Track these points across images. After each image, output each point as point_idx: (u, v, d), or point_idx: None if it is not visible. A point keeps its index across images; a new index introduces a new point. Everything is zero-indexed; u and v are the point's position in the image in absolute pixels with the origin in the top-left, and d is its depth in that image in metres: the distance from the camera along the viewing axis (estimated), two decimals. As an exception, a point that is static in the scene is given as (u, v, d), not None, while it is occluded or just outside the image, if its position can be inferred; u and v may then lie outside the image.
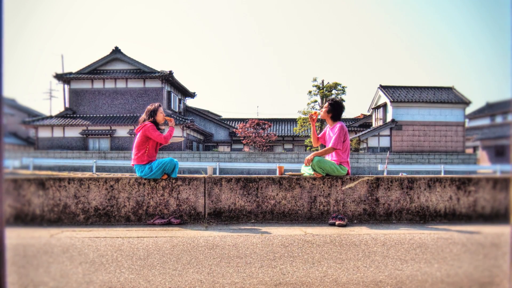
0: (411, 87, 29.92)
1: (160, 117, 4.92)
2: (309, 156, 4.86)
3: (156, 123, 4.89)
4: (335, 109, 5.04)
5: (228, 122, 38.00)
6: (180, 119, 28.48)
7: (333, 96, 29.04)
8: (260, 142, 28.84)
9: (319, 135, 5.25)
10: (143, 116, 4.95)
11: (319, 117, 5.21)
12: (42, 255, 3.11)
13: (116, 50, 29.70)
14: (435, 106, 27.93)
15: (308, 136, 31.99)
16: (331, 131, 4.99)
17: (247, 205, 4.75)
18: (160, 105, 5.02)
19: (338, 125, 4.93)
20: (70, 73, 29.52)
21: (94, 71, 29.78)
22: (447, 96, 28.49)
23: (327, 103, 5.13)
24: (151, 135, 4.74)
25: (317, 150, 23.76)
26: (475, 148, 38.65)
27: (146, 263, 2.84)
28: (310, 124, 28.92)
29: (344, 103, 31.04)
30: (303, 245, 3.46)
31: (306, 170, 5.06)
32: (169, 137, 4.89)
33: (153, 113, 4.91)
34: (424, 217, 4.81)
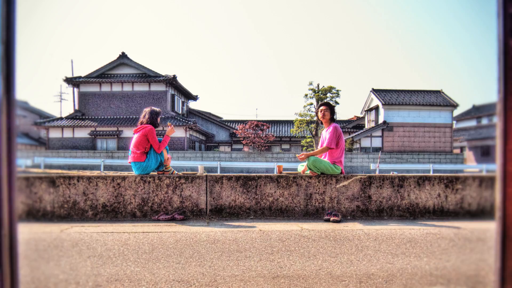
0: (401, 91, 29.94)
1: (158, 121, 5.01)
2: (303, 153, 4.90)
3: (154, 125, 4.96)
4: (332, 111, 5.05)
5: (229, 124, 37.97)
6: (183, 120, 28.45)
7: (328, 99, 29.08)
8: (259, 142, 28.84)
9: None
10: (142, 116, 5.00)
11: (314, 118, 5.25)
12: (52, 249, 3.11)
13: (123, 55, 29.67)
14: (425, 109, 27.96)
15: (304, 137, 31.98)
16: (326, 132, 5.01)
17: (246, 202, 4.75)
18: (160, 111, 5.11)
19: (332, 126, 4.94)
20: (79, 77, 29.49)
21: (102, 75, 29.75)
22: (435, 99, 28.52)
23: (323, 106, 5.09)
24: (151, 138, 4.80)
25: (312, 151, 23.74)
26: (462, 148, 38.68)
27: (151, 256, 2.84)
28: (306, 125, 29.01)
29: (338, 105, 31.17)
30: (299, 240, 3.46)
31: (300, 165, 5.13)
32: (163, 147, 4.93)
33: (152, 115, 4.96)
34: (414, 213, 4.81)
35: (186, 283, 2.26)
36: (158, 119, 5.03)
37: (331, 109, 5.05)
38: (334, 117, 5.10)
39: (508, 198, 0.99)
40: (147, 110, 5.05)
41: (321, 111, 5.07)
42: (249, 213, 4.74)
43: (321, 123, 5.29)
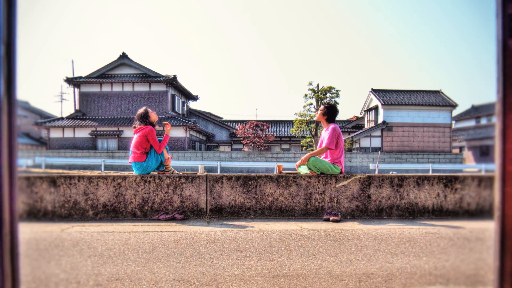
0: (401, 91, 29.94)
1: (153, 119, 5.00)
2: (303, 157, 4.90)
3: (152, 124, 4.97)
4: (330, 112, 5.05)
5: (229, 124, 37.97)
6: (184, 120, 28.45)
7: (327, 99, 29.11)
8: (259, 142, 28.86)
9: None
10: (137, 119, 4.98)
11: (314, 118, 5.25)
12: (53, 249, 3.11)
13: (123, 56, 29.67)
14: (424, 109, 27.95)
15: (304, 137, 31.97)
16: (325, 132, 5.02)
17: (246, 201, 4.75)
18: (147, 108, 5.08)
19: (331, 126, 4.94)
20: (80, 77, 29.49)
21: (102, 75, 29.74)
22: (435, 99, 28.52)
23: (322, 106, 5.15)
24: (151, 139, 4.82)
25: (312, 151, 23.73)
26: (461, 148, 38.68)
27: (151, 256, 2.84)
28: (306, 125, 28.99)
29: (338, 105, 31.15)
30: (299, 239, 3.46)
31: (302, 169, 5.08)
32: (163, 147, 4.93)
33: (145, 116, 4.96)
34: (413, 213, 4.81)
35: (187, 282, 2.26)
36: (151, 118, 5.00)
37: (329, 110, 5.06)
38: (334, 117, 5.10)
39: (507, 197, 0.99)
40: (138, 112, 5.06)
41: (321, 110, 5.11)
42: (249, 213, 4.74)
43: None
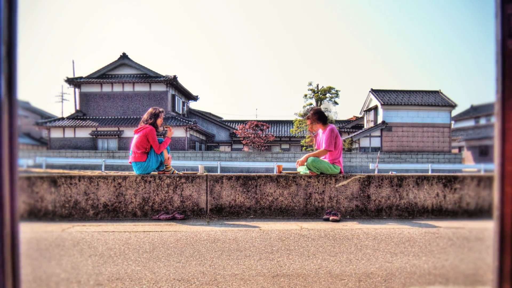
0: (400, 91, 29.94)
1: (159, 122, 5.02)
2: (302, 158, 4.88)
3: (155, 126, 4.97)
4: (319, 117, 5.03)
5: (229, 124, 37.96)
6: (184, 120, 28.45)
7: (327, 100, 29.13)
8: (258, 142, 28.85)
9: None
10: (145, 116, 5.03)
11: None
12: (54, 248, 3.11)
13: (124, 56, 29.66)
14: (423, 109, 27.95)
15: (303, 137, 31.97)
16: (323, 134, 5.00)
17: (246, 201, 4.75)
18: (162, 111, 5.12)
19: (328, 128, 4.94)
20: (81, 78, 29.49)
21: (103, 75, 29.74)
22: (434, 100, 28.52)
23: (309, 119, 5.08)
24: (150, 139, 4.82)
25: (312, 151, 23.79)
26: (460, 148, 38.67)
27: (151, 255, 2.84)
28: (306, 126, 28.99)
29: (337, 106, 31.16)
30: (299, 239, 3.46)
31: (302, 169, 5.07)
32: (163, 148, 4.94)
33: (155, 116, 4.98)
34: (412, 213, 4.81)
35: (187, 282, 2.26)
36: (159, 120, 5.03)
37: (315, 118, 5.02)
38: (325, 119, 5.07)
39: (506, 197, 0.99)
40: (149, 110, 5.09)
41: (309, 125, 5.09)
42: (249, 213, 4.74)
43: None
